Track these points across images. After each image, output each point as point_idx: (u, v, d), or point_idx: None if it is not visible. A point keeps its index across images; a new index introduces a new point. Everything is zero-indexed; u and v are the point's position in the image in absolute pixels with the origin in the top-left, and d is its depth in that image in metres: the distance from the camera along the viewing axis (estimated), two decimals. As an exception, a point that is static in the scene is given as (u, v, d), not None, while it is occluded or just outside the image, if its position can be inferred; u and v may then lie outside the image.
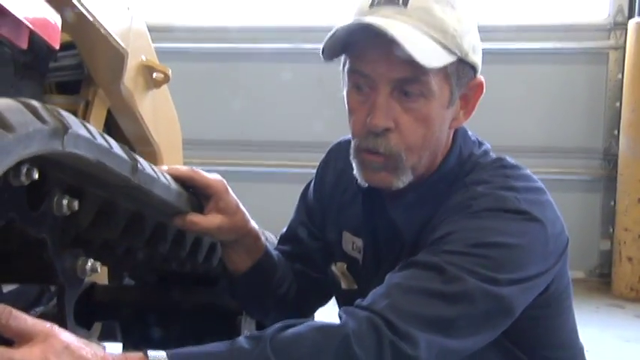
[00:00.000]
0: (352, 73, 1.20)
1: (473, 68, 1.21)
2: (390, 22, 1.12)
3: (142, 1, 5.78)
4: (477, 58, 1.21)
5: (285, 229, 1.54)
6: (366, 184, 1.25)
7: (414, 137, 1.18)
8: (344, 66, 1.22)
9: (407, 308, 1.04)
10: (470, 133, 1.32)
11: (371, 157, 1.20)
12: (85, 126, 0.82)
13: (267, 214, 2.54)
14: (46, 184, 0.86)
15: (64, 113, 0.79)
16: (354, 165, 1.25)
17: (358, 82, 1.19)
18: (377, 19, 1.12)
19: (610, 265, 5.38)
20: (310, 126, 5.34)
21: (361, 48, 1.17)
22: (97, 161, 0.83)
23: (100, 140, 0.84)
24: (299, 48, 5.54)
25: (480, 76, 1.24)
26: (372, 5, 1.16)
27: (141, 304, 1.87)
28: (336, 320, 1.05)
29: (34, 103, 0.74)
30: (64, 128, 0.76)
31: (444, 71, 1.16)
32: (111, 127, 2.09)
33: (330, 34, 1.16)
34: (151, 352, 0.92)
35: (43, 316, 1.48)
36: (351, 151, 1.24)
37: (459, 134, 1.28)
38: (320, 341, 0.99)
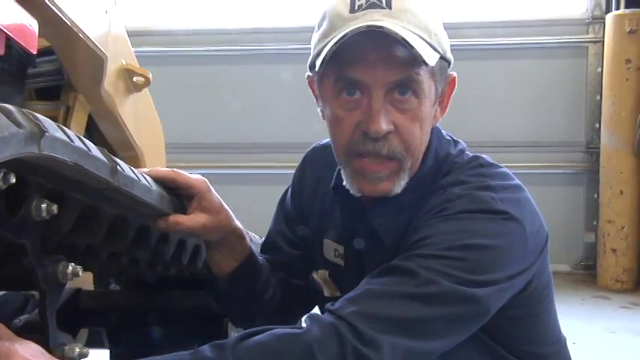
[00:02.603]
0: (340, 81, 1.15)
1: (449, 65, 1.21)
2: (387, 24, 1.08)
3: (139, 7, 5.77)
4: (450, 55, 1.21)
5: (264, 238, 1.51)
6: (359, 194, 1.20)
7: (412, 137, 1.16)
8: (322, 78, 1.18)
9: (373, 312, 1.02)
10: (444, 132, 1.29)
11: (373, 168, 1.16)
12: (61, 129, 0.81)
13: (259, 216, 2.53)
14: (24, 189, 0.85)
15: (40, 117, 0.78)
16: (345, 174, 1.20)
17: (347, 89, 1.15)
18: (374, 23, 1.08)
19: (595, 257, 5.43)
20: (299, 127, 5.34)
21: (354, 54, 1.11)
22: (75, 164, 0.82)
23: (77, 143, 0.83)
24: (288, 49, 5.54)
25: (452, 72, 1.24)
26: (352, 11, 1.12)
27: (127, 308, 1.86)
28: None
29: (9, 106, 0.73)
30: (40, 131, 0.75)
31: (430, 70, 1.15)
32: (92, 133, 2.08)
33: (325, 48, 1.11)
34: None
35: (28, 324, 1.49)
36: (341, 159, 1.20)
37: (433, 134, 1.25)
38: (282, 349, 0.98)
